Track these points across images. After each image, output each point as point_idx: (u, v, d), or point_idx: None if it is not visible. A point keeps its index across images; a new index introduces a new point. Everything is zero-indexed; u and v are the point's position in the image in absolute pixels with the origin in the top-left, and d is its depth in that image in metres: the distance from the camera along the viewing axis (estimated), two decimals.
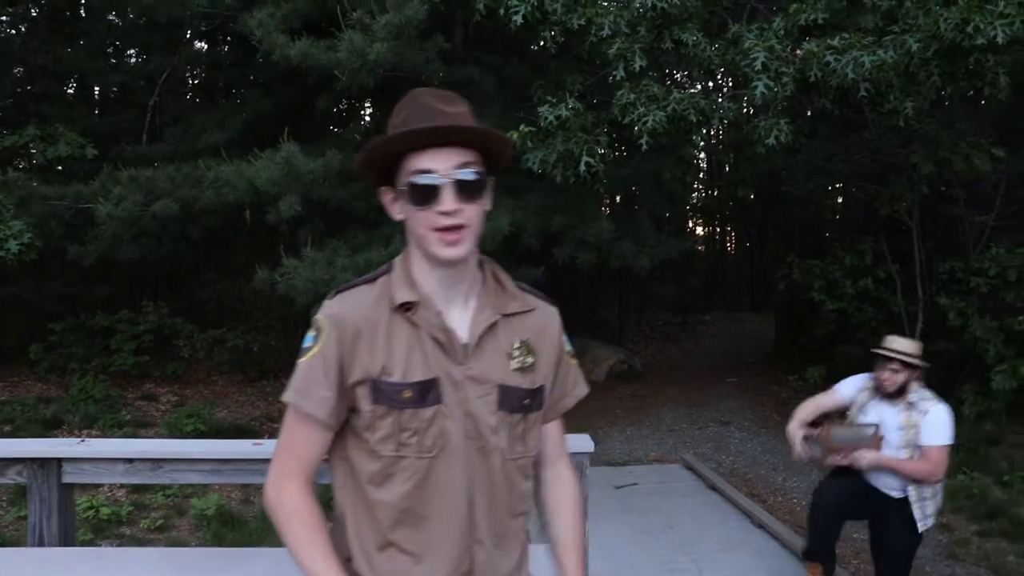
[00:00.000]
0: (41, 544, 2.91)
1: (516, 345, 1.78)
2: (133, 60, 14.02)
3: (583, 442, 3.03)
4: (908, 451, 4.41)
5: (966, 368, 9.07)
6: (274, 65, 9.25)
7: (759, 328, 17.70)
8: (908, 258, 9.42)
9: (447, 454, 1.69)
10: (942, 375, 9.42)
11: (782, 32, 6.74)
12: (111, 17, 13.49)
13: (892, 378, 4.46)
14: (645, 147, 6.78)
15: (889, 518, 4.55)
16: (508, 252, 9.40)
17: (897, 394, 4.48)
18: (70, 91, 14.36)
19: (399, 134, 1.64)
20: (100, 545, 5.93)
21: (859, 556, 6.09)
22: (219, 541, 6.25)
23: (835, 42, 6.42)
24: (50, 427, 9.14)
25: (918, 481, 4.46)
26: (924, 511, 4.50)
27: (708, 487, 7.65)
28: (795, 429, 4.59)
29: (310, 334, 1.71)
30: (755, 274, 23.10)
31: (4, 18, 12.96)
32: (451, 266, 1.69)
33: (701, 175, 23.55)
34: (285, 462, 1.71)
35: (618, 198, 18.27)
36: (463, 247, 1.66)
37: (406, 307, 1.68)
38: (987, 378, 8.33)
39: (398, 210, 1.71)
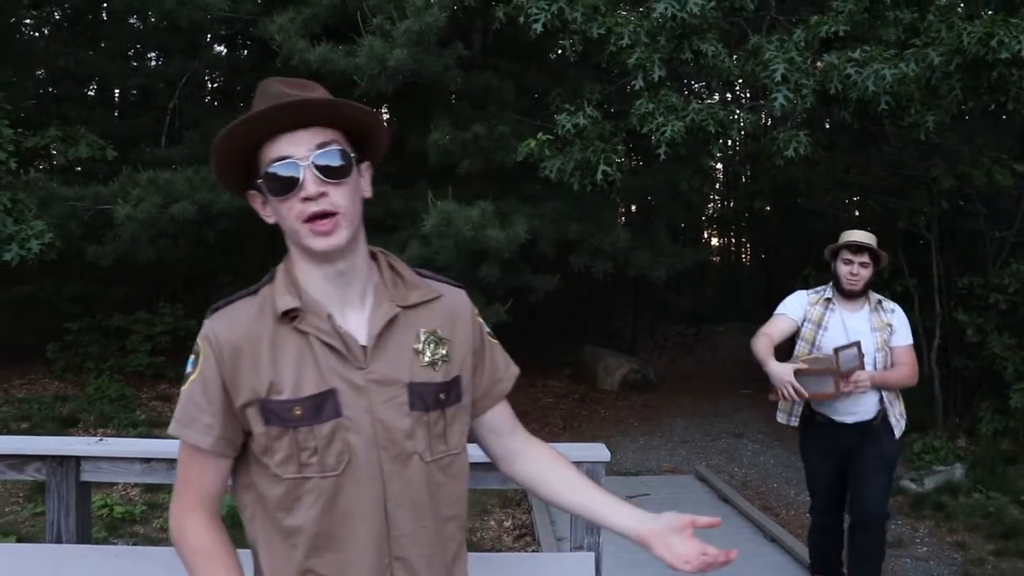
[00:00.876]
0: (59, 541, 2.93)
1: (422, 338, 1.64)
2: (153, 63, 14.12)
3: (599, 451, 3.02)
4: (883, 354, 4.32)
5: (984, 385, 9.00)
6: (293, 70, 9.28)
7: None
8: (926, 273, 9.37)
9: (354, 469, 1.56)
10: (960, 392, 9.37)
11: (802, 44, 6.72)
12: (132, 21, 13.59)
13: (861, 273, 4.33)
14: (663, 157, 6.77)
15: (869, 442, 4.39)
16: (524, 259, 9.41)
17: (860, 294, 4.36)
18: (91, 93, 14.48)
19: (241, 119, 1.50)
20: (114, 543, 5.96)
21: None
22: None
23: (856, 55, 6.40)
24: (66, 425, 9.20)
25: (897, 388, 4.41)
26: (895, 414, 4.44)
27: (720, 499, 7.61)
28: (780, 368, 4.15)
29: (190, 358, 1.61)
30: (771, 286, 22.97)
31: (27, 21, 13.08)
32: (329, 259, 1.56)
33: (718, 186, 23.50)
34: (184, 496, 1.62)
35: (634, 207, 18.25)
36: (338, 235, 1.53)
37: (291, 315, 1.56)
38: (1005, 396, 8.26)
39: (268, 212, 1.59)
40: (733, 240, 28.80)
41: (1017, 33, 5.92)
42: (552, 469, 1.84)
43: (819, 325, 4.37)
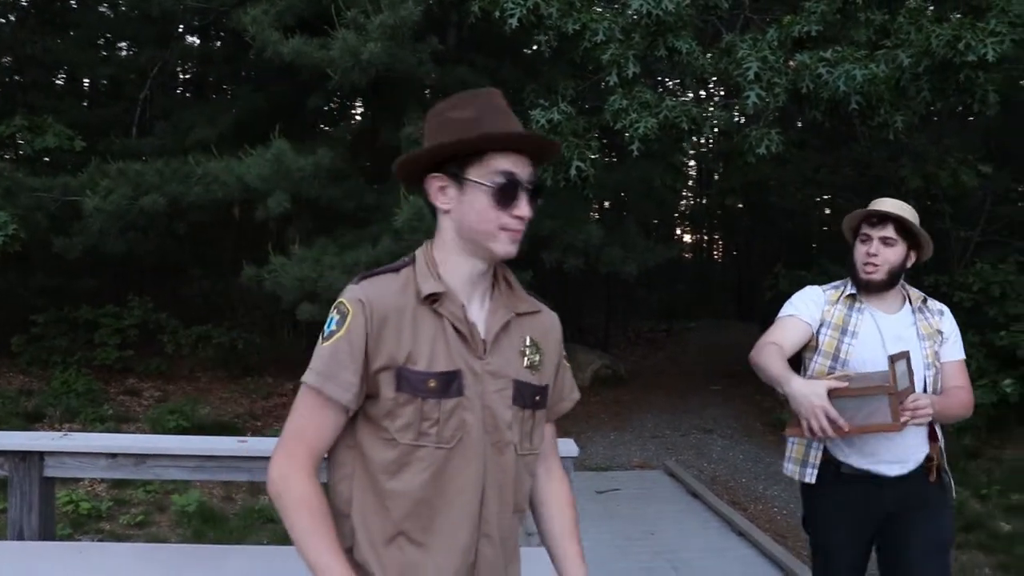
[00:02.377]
0: (21, 538, 2.89)
1: (527, 343, 1.85)
2: (124, 53, 13.97)
3: (567, 446, 3.03)
4: (933, 372, 3.03)
5: None
6: (266, 62, 9.22)
7: (745, 336, 17.69)
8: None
9: (464, 446, 1.71)
10: None
11: (775, 43, 6.78)
12: (102, 9, 13.44)
13: (882, 254, 3.02)
14: (636, 153, 6.80)
15: (919, 509, 3.00)
16: None
17: (887, 285, 3.06)
18: (59, 82, 14.28)
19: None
20: (80, 540, 5.90)
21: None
22: (200, 538, 6.22)
23: (828, 55, 6.46)
24: (31, 420, 9.08)
25: (952, 420, 3.14)
26: (945, 462, 3.09)
27: (690, 494, 7.66)
28: (808, 387, 2.72)
29: (333, 316, 1.71)
30: (742, 283, 23.17)
31: None
32: (496, 262, 1.79)
33: (690, 183, 23.65)
34: (295, 448, 1.68)
35: (607, 203, 18.31)
36: (518, 246, 1.78)
37: (432, 298, 1.71)
38: None
39: (447, 199, 1.75)
40: (705, 237, 29.01)
41: (983, 37, 6.01)
42: (556, 509, 2.00)
43: (844, 331, 3.08)
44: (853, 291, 3.13)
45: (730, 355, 16.61)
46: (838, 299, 3.15)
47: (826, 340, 3.08)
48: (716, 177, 21.76)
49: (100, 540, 6.07)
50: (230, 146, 9.22)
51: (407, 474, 1.68)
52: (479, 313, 1.79)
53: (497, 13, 6.96)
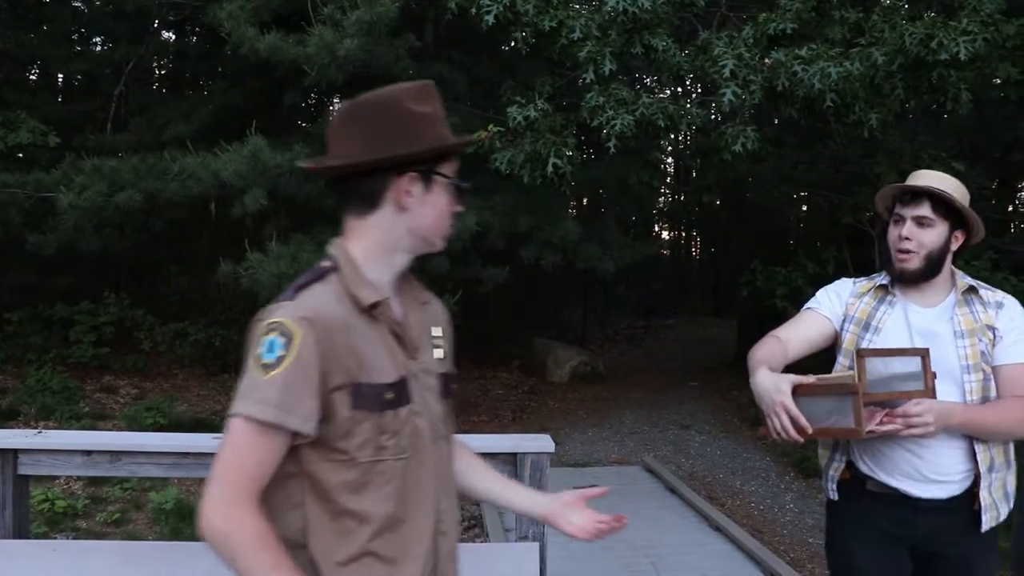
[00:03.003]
0: None
1: (437, 334, 1.82)
2: (99, 48, 13.84)
3: (543, 443, 3.05)
4: (977, 376, 2.50)
5: None
6: (242, 58, 9.17)
7: (722, 333, 17.87)
8: (869, 268, 9.56)
9: (418, 451, 1.68)
10: None
11: (751, 41, 6.82)
12: (76, 3, 13.30)
13: (917, 238, 2.54)
14: (613, 150, 6.83)
15: (959, 541, 2.55)
16: (474, 251, 9.41)
17: (926, 275, 2.57)
18: (32, 77, 14.14)
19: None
20: (55, 539, 5.85)
21: (813, 560, 6.17)
22: (177, 535, 6.20)
23: (803, 52, 6.51)
24: (5, 418, 9.00)
25: (1000, 438, 2.54)
26: (997, 488, 2.54)
27: (667, 489, 7.71)
28: (771, 380, 2.37)
29: (275, 340, 1.55)
30: (719, 279, 23.29)
31: None
32: (416, 256, 1.75)
33: (668, 180, 23.73)
34: (239, 484, 1.53)
35: (585, 200, 18.36)
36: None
37: (372, 306, 1.64)
38: None
39: (411, 199, 1.68)
40: (683, 234, 29.13)
41: (955, 36, 6.08)
42: (473, 465, 2.01)
43: (866, 326, 2.65)
44: (885, 281, 2.68)
45: (708, 351, 16.72)
46: (868, 291, 2.71)
47: (847, 337, 2.68)
48: (693, 174, 21.86)
49: (76, 538, 6.03)
50: (206, 142, 9.16)
51: (371, 492, 1.61)
52: (399, 310, 1.74)
53: (474, 10, 6.96)
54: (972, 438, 2.49)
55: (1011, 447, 2.62)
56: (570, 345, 14.52)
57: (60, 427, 8.59)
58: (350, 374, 1.59)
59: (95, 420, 9.21)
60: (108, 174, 9.16)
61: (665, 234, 28.12)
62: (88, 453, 2.98)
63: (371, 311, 1.64)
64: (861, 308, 2.69)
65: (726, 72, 6.51)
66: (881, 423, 2.38)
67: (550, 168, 6.98)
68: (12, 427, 8.48)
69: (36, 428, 7.87)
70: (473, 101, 10.01)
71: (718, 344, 16.85)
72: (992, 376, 2.54)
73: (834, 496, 2.69)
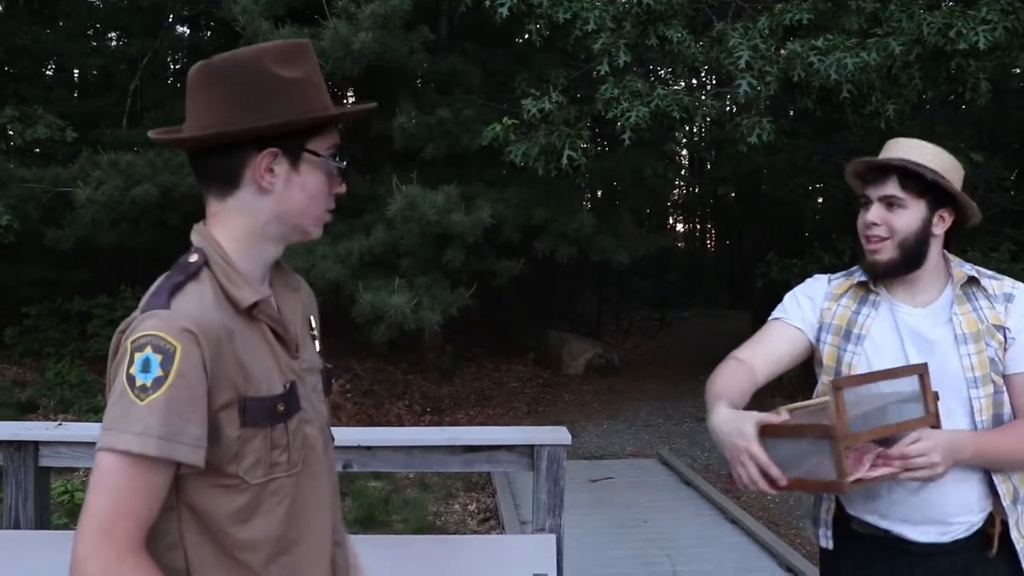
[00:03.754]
0: (16, 527, 2.90)
1: (314, 324, 1.64)
2: (114, 43, 13.91)
3: (560, 435, 3.05)
4: (986, 391, 2.02)
5: None
6: None
7: (737, 325, 17.80)
8: None
9: (310, 463, 1.49)
10: None
11: (767, 31, 6.78)
12: None
13: (889, 222, 2.07)
14: (627, 142, 6.80)
15: None
16: (489, 244, 9.42)
17: (904, 266, 2.09)
18: (49, 73, 14.22)
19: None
20: (75, 530, 5.90)
21: None
22: None
23: (819, 43, 6.46)
24: (25, 411, 9.08)
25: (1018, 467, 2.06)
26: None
27: (683, 482, 7.70)
28: (732, 421, 1.93)
29: (150, 357, 1.29)
30: (734, 271, 23.21)
31: None
32: (292, 243, 1.55)
33: (682, 172, 23.65)
34: (122, 531, 1.27)
35: (599, 192, 18.32)
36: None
37: (252, 306, 1.43)
38: None
39: (273, 178, 1.44)
40: (698, 226, 29.04)
41: (974, 24, 6.03)
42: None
43: (847, 334, 2.15)
44: (864, 278, 2.19)
45: (723, 344, 16.59)
46: (846, 291, 2.21)
47: (826, 350, 2.18)
48: (708, 166, 21.79)
49: None
50: None
51: (261, 517, 1.41)
52: (275, 304, 1.52)
53: (488, 2, 6.95)
54: (987, 470, 2.03)
55: None
56: (584, 338, 14.51)
57: (78, 420, 8.65)
58: (236, 389, 1.37)
59: None
60: (125, 168, 9.21)
61: (680, 226, 28.05)
62: None
63: (250, 311, 1.43)
64: (839, 313, 2.18)
65: (741, 63, 6.47)
66: (875, 465, 1.88)
67: (564, 160, 6.97)
68: (32, 420, 8.55)
69: (56, 420, 7.93)
70: (487, 94, 10.00)
71: (733, 336, 16.68)
72: (1004, 388, 2.04)
73: (828, 545, 2.21)
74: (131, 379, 1.29)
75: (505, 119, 7.27)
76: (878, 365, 2.05)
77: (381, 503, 6.94)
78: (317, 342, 1.63)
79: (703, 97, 7.84)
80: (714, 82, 12.32)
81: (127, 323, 1.38)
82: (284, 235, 1.49)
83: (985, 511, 2.05)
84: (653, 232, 13.47)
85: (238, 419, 1.37)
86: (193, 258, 1.43)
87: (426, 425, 9.38)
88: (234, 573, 1.40)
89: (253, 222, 1.46)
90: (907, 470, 1.89)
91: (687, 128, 14.44)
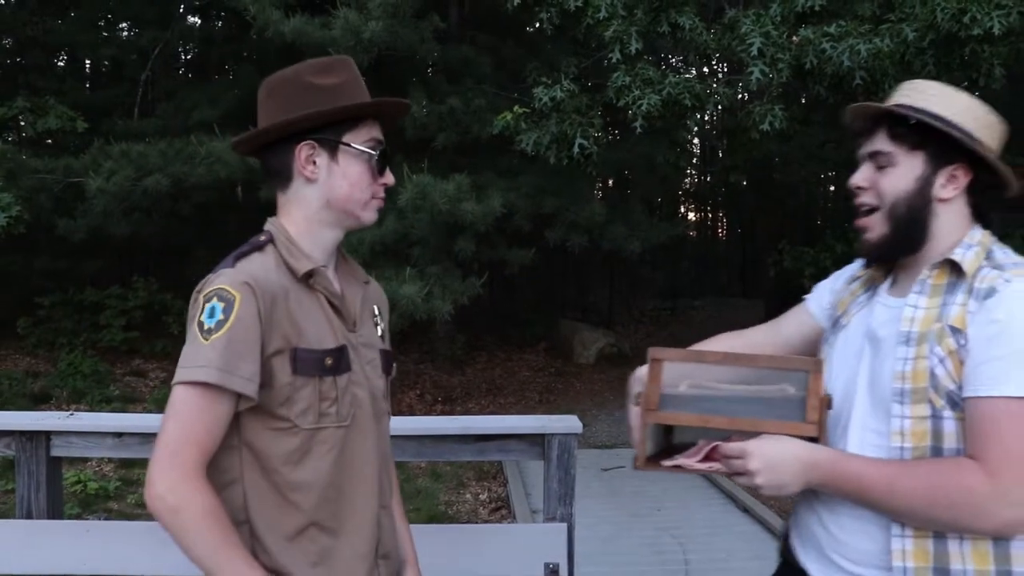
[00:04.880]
0: (29, 516, 2.91)
1: (377, 312, 1.82)
2: (125, 34, 13.93)
3: (571, 423, 3.04)
4: (919, 411, 1.55)
5: None
6: (268, 42, 9.19)
7: (749, 314, 17.73)
8: None
9: (358, 422, 1.66)
10: None
11: (778, 18, 6.72)
12: None
13: (875, 184, 1.66)
14: (639, 130, 6.77)
15: None
16: (500, 233, 9.41)
17: (900, 246, 1.66)
18: (60, 64, 14.26)
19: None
20: (88, 520, 5.94)
21: None
22: None
23: (831, 29, 6.41)
24: (38, 401, 9.14)
25: (920, 520, 1.51)
26: None
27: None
28: (637, 374, 1.86)
29: (216, 305, 1.52)
30: (746, 260, 23.17)
31: None
32: (353, 229, 1.74)
33: (694, 160, 23.58)
34: (188, 455, 1.46)
35: (611, 181, 18.27)
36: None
37: (308, 275, 1.63)
38: None
39: (313, 169, 1.66)
40: (709, 214, 28.95)
41: (989, 9, 5.96)
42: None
43: (836, 323, 1.83)
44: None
45: None
46: (864, 274, 1.83)
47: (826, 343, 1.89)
48: (720, 154, 21.69)
49: (108, 519, 6.11)
50: (233, 126, 9.20)
51: (312, 461, 1.59)
52: (337, 284, 1.72)
53: None
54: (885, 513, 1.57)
55: (1020, 548, 1.50)
56: (596, 327, 14.49)
57: (91, 410, 8.70)
58: (288, 339, 1.56)
59: (125, 403, 9.32)
60: (136, 159, 9.23)
61: (692, 215, 27.96)
62: (119, 435, 3.00)
63: (307, 280, 1.63)
64: (844, 299, 1.84)
65: (753, 50, 6.43)
66: (707, 457, 1.66)
67: (576, 149, 6.94)
68: (45, 410, 8.59)
69: (68, 411, 7.98)
70: (498, 83, 9.97)
71: (746, 325, 16.56)
72: (947, 414, 1.53)
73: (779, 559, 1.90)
74: (200, 324, 1.51)
75: (516, 108, 7.24)
76: (839, 360, 1.73)
77: None
78: (380, 328, 1.81)
79: (715, 84, 7.80)
80: (726, 69, 12.25)
81: (202, 283, 1.58)
82: (338, 220, 1.69)
83: (884, 555, 1.56)
84: (664, 221, 13.44)
85: (289, 366, 1.55)
86: (262, 237, 1.65)
87: (437, 414, 9.39)
88: (285, 510, 1.58)
89: (307, 209, 1.67)
90: (730, 468, 1.60)
91: (699, 116, 14.35)
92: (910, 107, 1.62)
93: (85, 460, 7.01)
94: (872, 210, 1.66)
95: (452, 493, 7.15)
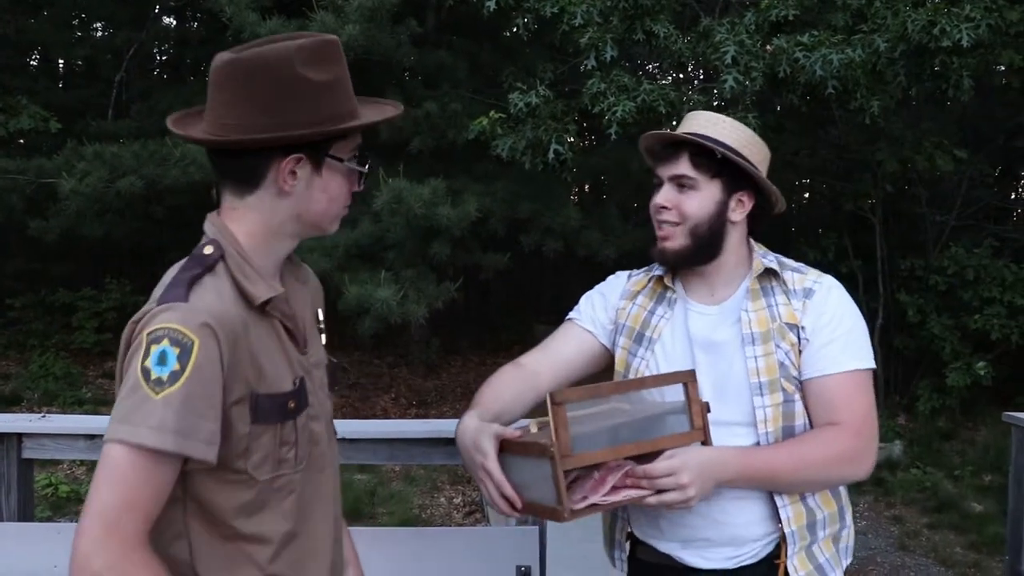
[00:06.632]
0: None
1: (320, 317, 1.62)
2: (99, 34, 13.82)
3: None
4: (775, 399, 1.80)
5: (922, 365, 9.24)
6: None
7: None
8: (871, 255, 9.56)
9: (314, 460, 1.49)
10: (901, 371, 9.61)
11: (753, 27, 6.80)
12: None
13: (677, 205, 1.87)
14: (614, 137, 6.82)
15: None
16: (475, 237, 9.42)
17: (697, 256, 1.89)
18: (33, 63, 14.11)
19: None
20: (59, 523, 5.89)
21: None
22: None
23: (805, 39, 6.49)
24: (9, 404, 9.04)
25: (806, 488, 1.83)
26: (839, 547, 1.90)
27: None
28: (472, 432, 1.75)
29: (167, 350, 1.26)
30: None
31: None
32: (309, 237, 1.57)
33: None
34: (130, 525, 1.24)
35: (586, 187, 18.32)
36: None
37: (266, 302, 1.41)
38: (942, 375, 8.50)
39: (294, 181, 1.42)
40: None
41: (958, 22, 6.06)
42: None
43: (640, 338, 1.95)
44: (660, 272, 1.99)
45: None
46: (643, 288, 2.01)
47: (618, 353, 1.99)
48: None
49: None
50: None
51: (267, 512, 1.40)
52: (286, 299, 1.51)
53: None
54: (770, 491, 1.80)
55: (843, 488, 1.91)
56: None
57: (63, 412, 8.63)
58: (249, 385, 1.36)
59: (97, 406, 9.24)
60: (109, 160, 9.16)
61: None
62: (91, 437, 2.99)
63: (263, 307, 1.41)
64: (633, 313, 1.97)
65: (728, 59, 6.49)
66: (616, 489, 1.65)
67: (551, 155, 6.98)
68: (16, 412, 8.51)
69: (40, 413, 7.91)
70: (474, 87, 10.00)
71: None
72: (797, 397, 1.81)
73: (622, 569, 2.03)
74: (146, 372, 1.26)
75: (492, 113, 7.26)
76: (668, 369, 1.87)
77: (367, 496, 6.95)
78: (323, 336, 1.61)
79: (690, 92, 7.86)
80: (701, 77, 12.32)
81: (141, 314, 1.35)
82: (301, 232, 1.50)
83: (773, 535, 1.82)
84: (640, 227, 13.47)
85: (249, 415, 1.36)
86: (208, 250, 1.40)
87: (412, 418, 9.39)
88: (238, 565, 1.39)
89: (270, 221, 1.45)
90: (657, 494, 1.64)
91: (673, 123, 14.44)
92: (713, 139, 1.84)
93: (56, 463, 6.94)
94: (673, 224, 1.88)
95: (426, 497, 7.16)
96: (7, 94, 10.36)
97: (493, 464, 1.67)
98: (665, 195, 1.89)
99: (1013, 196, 12.61)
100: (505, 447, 1.70)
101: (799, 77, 6.57)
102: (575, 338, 2.05)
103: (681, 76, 14.65)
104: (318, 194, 1.46)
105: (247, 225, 1.44)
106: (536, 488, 1.64)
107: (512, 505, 1.66)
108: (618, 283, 2.09)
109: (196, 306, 1.31)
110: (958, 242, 9.18)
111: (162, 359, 1.27)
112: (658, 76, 12.11)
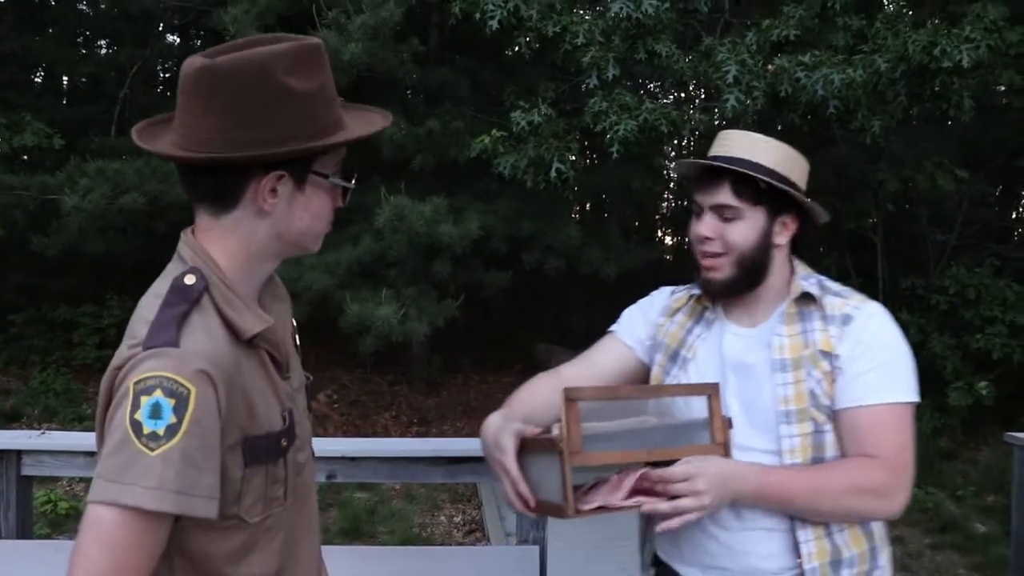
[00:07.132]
0: None
1: (295, 326, 1.54)
2: (103, 51, 13.90)
3: None
4: (803, 429, 1.74)
5: (924, 384, 9.21)
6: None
7: None
8: (872, 274, 9.57)
9: (298, 489, 1.42)
10: None
11: (754, 47, 6.83)
12: (82, 6, 13.36)
13: (725, 236, 1.82)
14: (616, 155, 6.83)
15: None
16: (477, 255, 9.43)
17: (744, 284, 1.85)
18: (37, 80, 14.18)
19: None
20: (58, 540, 5.87)
21: None
22: None
23: (806, 59, 6.51)
24: (9, 420, 9.03)
25: (823, 516, 1.75)
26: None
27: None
28: (494, 429, 1.81)
29: (161, 401, 1.16)
30: None
31: None
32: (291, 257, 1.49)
33: (671, 185, 23.72)
34: None
35: (588, 205, 18.36)
36: None
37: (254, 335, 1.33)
38: (944, 394, 8.47)
39: (275, 199, 1.33)
40: (686, 239, 29.09)
41: (958, 43, 6.09)
42: None
43: (675, 355, 1.95)
44: (700, 290, 1.98)
45: None
46: (683, 306, 2.00)
47: (655, 371, 1.98)
48: None
49: None
50: None
51: (257, 553, 1.33)
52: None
53: (478, 15, 6.98)
54: (794, 517, 1.73)
55: (879, 527, 1.83)
56: (573, 350, 14.36)
57: (63, 429, 8.61)
58: (243, 429, 1.28)
59: None
60: (112, 177, 9.19)
61: (668, 239, 28.06)
62: (91, 454, 2.98)
63: (251, 339, 1.32)
64: (672, 331, 1.97)
65: (729, 78, 6.51)
66: (632, 494, 1.63)
67: (553, 173, 6.99)
68: (16, 428, 8.50)
69: (40, 429, 7.90)
70: (476, 106, 10.03)
71: None
72: (829, 428, 1.74)
73: None
74: (137, 425, 1.15)
75: (494, 131, 7.28)
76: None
77: (366, 514, 6.91)
78: (299, 350, 1.54)
79: (691, 111, 7.90)
80: (702, 96, 12.38)
81: (123, 359, 1.23)
82: (283, 252, 1.41)
83: (792, 571, 1.75)
84: (641, 245, 13.52)
85: (242, 459, 1.28)
86: (191, 280, 1.30)
87: (413, 436, 9.36)
88: None
89: (250, 242, 1.35)
90: (671, 499, 1.61)
91: (675, 142, 14.50)
92: (754, 164, 1.77)
93: (56, 479, 6.92)
94: (719, 255, 1.84)
95: (426, 515, 7.12)
96: (11, 111, 10.41)
97: (511, 461, 1.68)
98: (708, 225, 1.84)
99: (1014, 215, 12.65)
100: (524, 445, 1.70)
101: (800, 97, 6.59)
102: (614, 351, 2.06)
103: (683, 95, 14.71)
104: (300, 212, 1.36)
105: (226, 247, 1.34)
106: (547, 485, 1.64)
107: (526, 504, 1.66)
108: (660, 299, 2.09)
109: (189, 351, 1.21)
110: (959, 261, 9.18)
111: (155, 412, 1.16)
112: (660, 95, 12.15)
